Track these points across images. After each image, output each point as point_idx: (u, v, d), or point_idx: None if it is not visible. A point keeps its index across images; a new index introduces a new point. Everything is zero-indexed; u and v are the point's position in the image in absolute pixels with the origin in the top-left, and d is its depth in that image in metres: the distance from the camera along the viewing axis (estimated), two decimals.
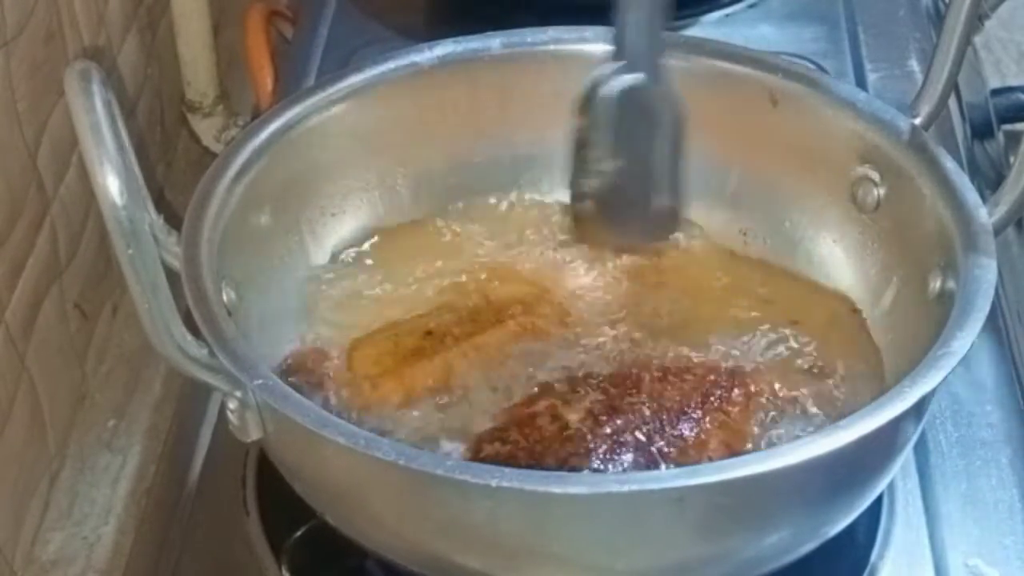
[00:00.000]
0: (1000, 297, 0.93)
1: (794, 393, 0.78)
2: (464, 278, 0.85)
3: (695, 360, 0.80)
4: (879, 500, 0.80)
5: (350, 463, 0.67)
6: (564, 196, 0.89)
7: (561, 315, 0.83)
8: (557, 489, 0.63)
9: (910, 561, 0.79)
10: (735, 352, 0.81)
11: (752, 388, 0.77)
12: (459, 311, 0.82)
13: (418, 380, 0.78)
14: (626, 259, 0.86)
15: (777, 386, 0.78)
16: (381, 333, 0.81)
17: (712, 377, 0.77)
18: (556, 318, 0.82)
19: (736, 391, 0.76)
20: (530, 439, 0.73)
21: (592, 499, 0.64)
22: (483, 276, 0.85)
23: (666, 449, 0.73)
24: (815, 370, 0.80)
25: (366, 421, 0.76)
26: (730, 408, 0.75)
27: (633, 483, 0.65)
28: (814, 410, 0.78)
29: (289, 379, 0.77)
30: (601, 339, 0.81)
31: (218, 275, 0.73)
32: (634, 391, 0.76)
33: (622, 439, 0.73)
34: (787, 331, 0.82)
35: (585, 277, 0.86)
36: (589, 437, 0.73)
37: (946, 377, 0.67)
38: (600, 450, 0.73)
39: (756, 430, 0.76)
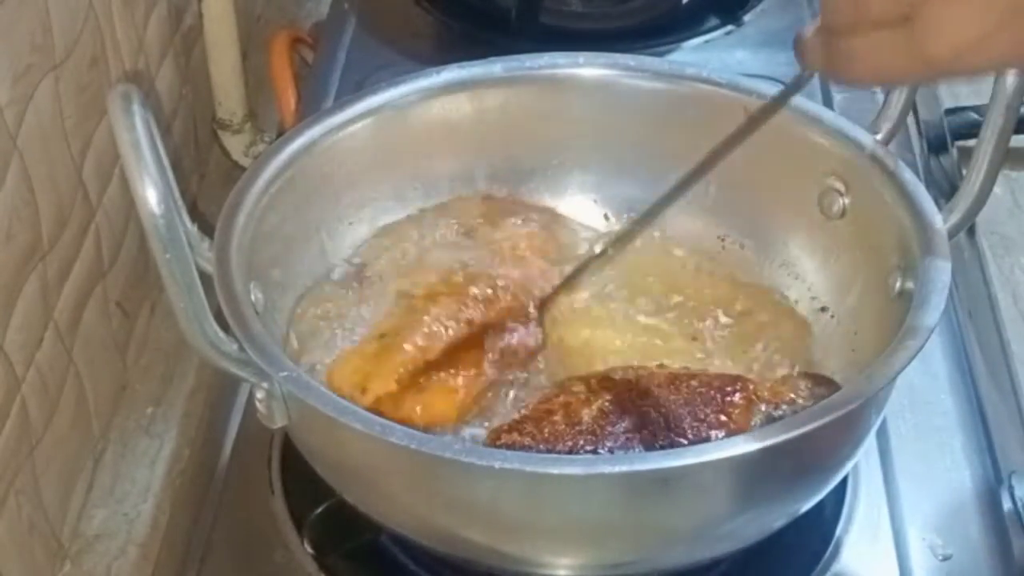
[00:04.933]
0: (953, 296, 0.93)
1: (791, 395, 0.76)
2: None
3: (702, 366, 0.79)
4: (844, 481, 0.80)
5: (366, 447, 0.67)
6: (562, 205, 0.89)
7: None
8: (554, 470, 0.63)
9: (872, 535, 0.80)
10: (733, 357, 0.80)
11: (752, 391, 0.75)
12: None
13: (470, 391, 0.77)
14: (627, 269, 0.85)
15: (777, 389, 0.76)
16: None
17: (716, 382, 0.76)
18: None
19: (738, 395, 0.74)
20: (544, 432, 0.73)
21: (585, 479, 0.63)
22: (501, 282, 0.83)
23: (669, 447, 0.72)
24: (806, 368, 0.80)
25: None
26: (731, 410, 0.74)
27: (623, 464, 0.65)
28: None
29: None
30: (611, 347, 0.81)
31: (246, 277, 0.73)
32: (644, 395, 0.75)
33: (629, 437, 0.73)
34: (768, 335, 0.81)
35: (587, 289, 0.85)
36: (598, 434, 0.73)
37: (904, 369, 0.67)
38: (606, 446, 0.72)
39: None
